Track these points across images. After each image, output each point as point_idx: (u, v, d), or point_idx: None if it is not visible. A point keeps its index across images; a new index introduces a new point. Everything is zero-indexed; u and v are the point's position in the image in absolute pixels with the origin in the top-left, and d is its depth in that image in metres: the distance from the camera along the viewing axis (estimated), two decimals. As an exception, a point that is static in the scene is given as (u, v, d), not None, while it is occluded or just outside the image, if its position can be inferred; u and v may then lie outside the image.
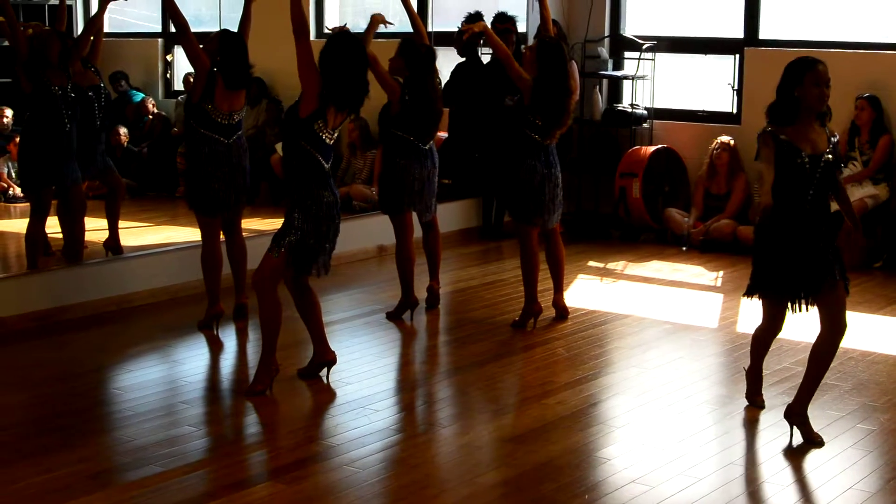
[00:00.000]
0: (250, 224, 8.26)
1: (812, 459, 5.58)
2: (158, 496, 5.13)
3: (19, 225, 10.20)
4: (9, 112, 11.83)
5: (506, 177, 7.87)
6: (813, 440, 5.79)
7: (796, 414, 5.86)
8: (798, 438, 5.83)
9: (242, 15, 7.87)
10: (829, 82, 5.70)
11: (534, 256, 7.79)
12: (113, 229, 9.12)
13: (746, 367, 6.33)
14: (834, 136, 5.83)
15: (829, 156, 5.74)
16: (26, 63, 8.21)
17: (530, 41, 10.38)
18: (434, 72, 7.96)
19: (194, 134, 7.59)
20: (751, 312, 8.28)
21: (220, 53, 7.52)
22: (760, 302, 6.03)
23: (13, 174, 11.59)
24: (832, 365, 6.83)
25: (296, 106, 6.37)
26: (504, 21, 10.11)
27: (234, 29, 7.82)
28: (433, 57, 7.95)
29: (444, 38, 10.32)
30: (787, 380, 6.69)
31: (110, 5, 8.93)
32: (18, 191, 11.46)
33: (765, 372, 6.72)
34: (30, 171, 8.50)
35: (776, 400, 6.35)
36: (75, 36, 9.12)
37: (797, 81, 5.68)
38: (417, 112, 7.81)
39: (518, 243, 7.95)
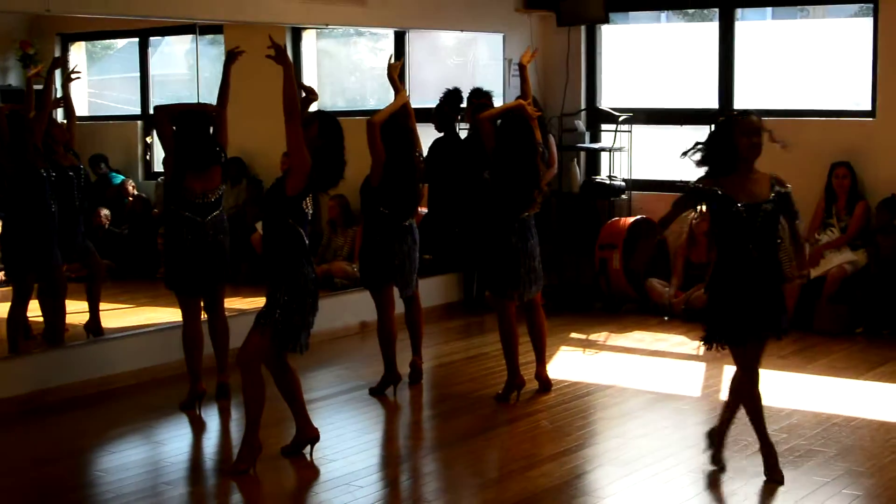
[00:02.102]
0: (232, 303, 8.24)
1: (799, 526, 5.58)
2: (142, 578, 5.09)
3: (1, 309, 10.19)
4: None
5: (482, 250, 7.89)
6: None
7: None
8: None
9: (221, 86, 7.91)
10: (760, 133, 5.91)
11: (512, 329, 7.79)
12: (94, 311, 9.10)
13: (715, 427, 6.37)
14: (783, 186, 5.96)
15: (768, 205, 5.89)
16: (8, 146, 8.26)
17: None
18: (414, 148, 8.01)
19: (171, 214, 7.63)
20: (734, 380, 8.30)
21: (178, 136, 7.56)
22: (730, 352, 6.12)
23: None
24: (816, 431, 6.88)
25: (281, 184, 6.39)
26: (480, 96, 10.18)
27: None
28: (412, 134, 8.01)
29: (423, 115, 10.40)
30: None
31: (89, 89, 9.00)
32: (0, 275, 11.43)
33: (749, 439, 6.73)
34: (12, 255, 8.50)
35: (760, 468, 6.32)
36: (60, 121, 9.15)
37: (729, 133, 5.85)
38: (398, 187, 7.85)
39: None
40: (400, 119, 7.97)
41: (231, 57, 7.83)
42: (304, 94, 7.56)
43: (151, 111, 12.53)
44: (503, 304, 7.79)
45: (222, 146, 7.73)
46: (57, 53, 13.22)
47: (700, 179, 5.95)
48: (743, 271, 5.93)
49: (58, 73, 9.23)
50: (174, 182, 7.54)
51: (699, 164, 5.96)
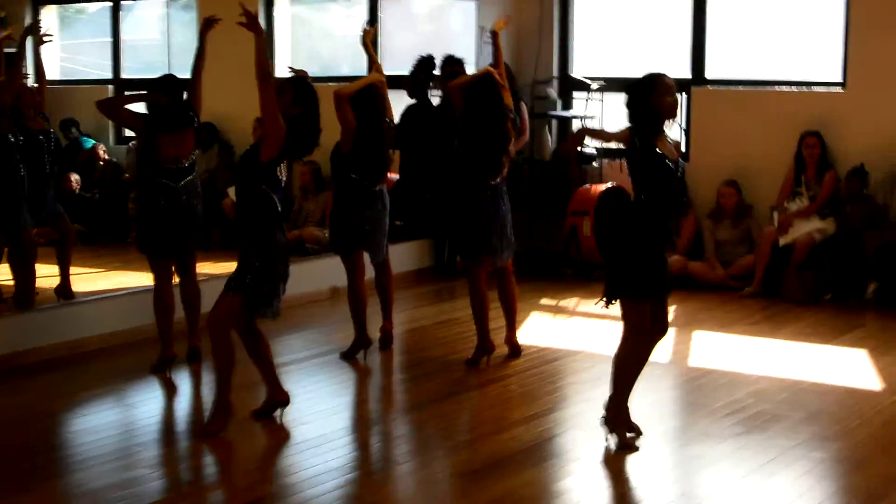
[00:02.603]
0: (203, 268, 8.24)
1: (766, 488, 5.63)
2: (114, 538, 5.12)
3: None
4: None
5: (453, 216, 7.91)
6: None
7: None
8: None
9: (196, 52, 7.88)
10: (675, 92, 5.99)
11: (482, 294, 7.82)
12: (64, 275, 9.10)
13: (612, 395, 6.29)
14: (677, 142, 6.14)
15: (684, 165, 6.08)
16: None
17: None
18: (385, 114, 8.02)
19: (143, 179, 7.63)
20: (702, 346, 8.38)
21: (150, 99, 7.56)
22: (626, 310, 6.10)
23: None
24: (784, 396, 6.96)
25: (255, 150, 6.39)
26: (453, 64, 10.13)
27: (188, 71, 7.85)
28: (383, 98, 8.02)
29: (396, 82, 10.38)
30: (739, 411, 6.75)
31: (61, 53, 8.97)
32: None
33: (717, 404, 6.82)
34: None
35: (728, 431, 6.41)
36: (31, 85, 9.10)
37: (649, 94, 5.92)
38: (368, 153, 7.86)
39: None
40: (371, 86, 7.97)
41: (207, 24, 7.80)
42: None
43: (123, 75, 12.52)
44: (474, 270, 7.82)
45: (195, 111, 7.71)
46: (28, 17, 13.18)
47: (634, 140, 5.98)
48: (660, 231, 6.00)
49: (29, 38, 9.18)
50: (147, 148, 7.53)
51: (633, 131, 5.98)
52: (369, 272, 8.19)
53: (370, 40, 8.32)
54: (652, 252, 6.01)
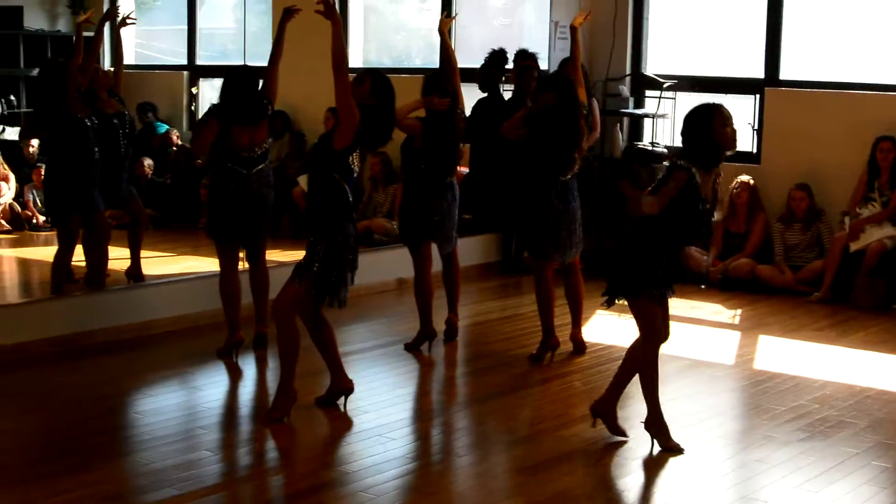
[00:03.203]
0: (271, 255, 8.29)
1: (826, 495, 5.58)
2: (175, 518, 5.18)
3: (43, 252, 10.36)
4: (34, 141, 12.00)
5: (522, 212, 7.90)
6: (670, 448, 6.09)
7: (603, 412, 6.22)
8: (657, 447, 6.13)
9: (274, 41, 7.93)
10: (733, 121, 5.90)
11: (548, 291, 7.82)
12: (135, 258, 9.21)
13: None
14: (718, 177, 6.03)
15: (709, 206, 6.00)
16: (51, 94, 8.36)
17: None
18: (456, 106, 8.03)
19: (216, 165, 7.69)
20: (768, 350, 8.32)
21: (223, 91, 7.61)
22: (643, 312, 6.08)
23: (38, 203, 11.74)
24: (849, 403, 6.89)
25: (329, 137, 6.43)
26: (526, 58, 10.18)
27: (262, 60, 7.91)
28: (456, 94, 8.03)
29: (468, 74, 10.40)
30: (803, 416, 6.70)
31: (136, 39, 9.08)
32: (42, 219, 11.60)
33: (780, 409, 6.77)
34: (55, 199, 8.60)
35: (791, 436, 6.36)
36: (107, 69, 9.23)
37: (708, 125, 5.82)
38: (439, 145, 7.88)
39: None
40: (444, 78, 7.99)
41: (287, 14, 7.83)
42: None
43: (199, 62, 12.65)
44: (541, 266, 7.82)
45: (270, 100, 7.76)
46: (106, 3, 13.33)
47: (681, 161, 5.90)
48: (669, 249, 6.04)
49: (107, 23, 9.31)
50: (221, 136, 7.59)
51: (687, 158, 5.91)
52: (436, 265, 8.21)
53: (447, 29, 8.33)
54: (662, 251, 5.99)
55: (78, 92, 8.51)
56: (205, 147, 7.71)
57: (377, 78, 6.63)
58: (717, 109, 5.86)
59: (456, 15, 8.91)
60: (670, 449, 6.10)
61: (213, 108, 7.65)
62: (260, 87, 7.70)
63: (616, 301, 6.13)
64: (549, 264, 7.81)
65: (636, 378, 6.20)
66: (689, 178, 5.81)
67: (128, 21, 9.51)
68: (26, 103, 13.17)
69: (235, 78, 7.61)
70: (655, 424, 6.16)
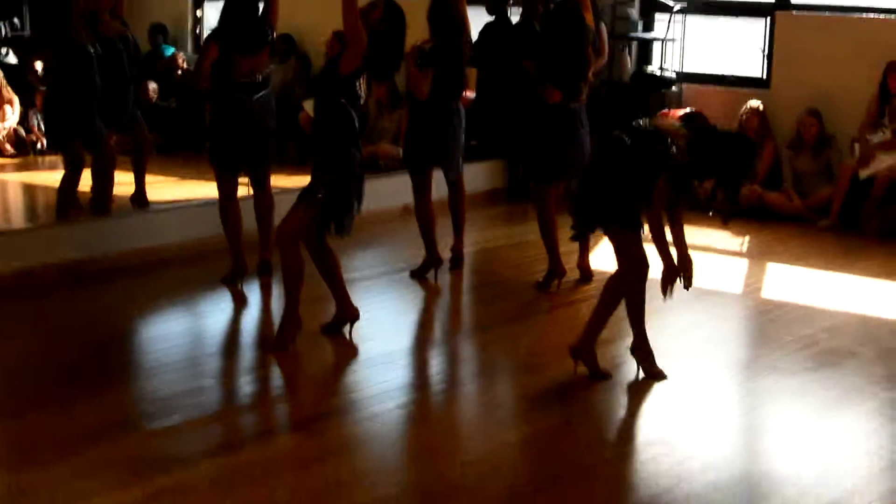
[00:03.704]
0: (276, 181, 8.22)
1: (834, 425, 5.57)
2: (180, 445, 5.18)
3: (47, 177, 10.31)
4: (38, 65, 11.87)
5: (529, 139, 7.83)
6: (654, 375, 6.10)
7: (582, 351, 6.09)
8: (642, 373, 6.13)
9: None
10: None
11: (551, 218, 7.76)
12: (139, 183, 9.16)
13: None
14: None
15: None
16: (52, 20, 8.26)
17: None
18: (462, 32, 7.92)
19: (217, 92, 7.61)
20: (776, 278, 8.28)
21: (222, 19, 7.52)
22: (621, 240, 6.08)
23: (42, 127, 11.65)
24: (857, 333, 6.86)
25: (335, 62, 6.34)
26: (534, -20, 10.03)
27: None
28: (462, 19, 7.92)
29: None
30: (812, 346, 6.68)
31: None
32: (47, 144, 11.52)
33: (788, 338, 6.75)
34: (55, 126, 8.53)
35: (798, 365, 6.34)
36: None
37: (750, 161, 6.11)
38: (445, 70, 7.79)
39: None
40: (450, 2, 7.88)
41: None
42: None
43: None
44: (545, 191, 7.76)
45: (272, 26, 7.66)
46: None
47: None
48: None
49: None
50: (221, 62, 7.50)
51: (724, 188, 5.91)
52: (440, 192, 8.16)
53: None
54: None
55: (81, 16, 8.40)
56: (205, 73, 7.62)
57: (390, 5, 6.55)
58: (755, 146, 6.02)
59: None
60: (654, 375, 6.09)
61: (212, 33, 7.56)
62: (260, 13, 7.59)
63: (585, 234, 6.11)
64: (552, 190, 7.76)
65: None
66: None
67: None
68: (30, 26, 13.04)
69: (234, 5, 7.50)
70: (640, 349, 6.14)
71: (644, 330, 6.14)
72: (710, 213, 9.93)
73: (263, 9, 7.65)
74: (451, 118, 7.91)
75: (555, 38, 7.56)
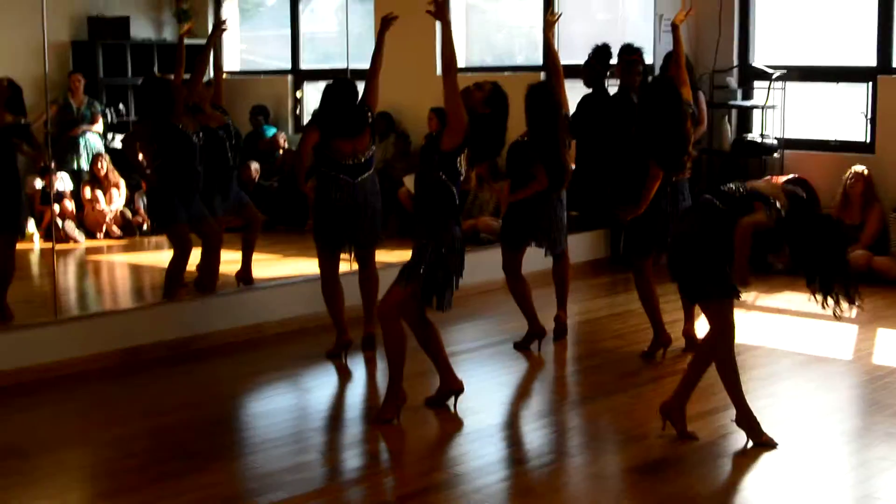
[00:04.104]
0: (379, 256, 8.26)
1: (953, 492, 5.41)
2: (287, 521, 5.18)
3: (153, 257, 10.50)
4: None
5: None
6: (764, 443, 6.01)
7: (670, 411, 6.16)
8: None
9: (374, 51, 7.90)
10: None
11: (650, 288, 7.72)
12: (247, 261, 9.24)
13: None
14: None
15: None
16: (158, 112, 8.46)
17: (657, 72, 10.32)
18: (559, 115, 7.90)
19: (320, 174, 7.70)
20: (887, 344, 8.10)
21: (322, 105, 7.64)
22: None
23: (147, 209, 11.87)
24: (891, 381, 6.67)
25: (437, 139, 6.39)
26: (631, 52, 10.03)
27: (365, 61, 7.90)
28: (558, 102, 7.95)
29: (572, 71, 10.30)
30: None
31: (241, 45, 9.10)
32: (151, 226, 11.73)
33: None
34: (158, 210, 8.64)
35: (911, 431, 6.20)
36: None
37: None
38: (547, 163, 7.83)
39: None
40: (549, 89, 7.90)
41: (385, 23, 7.79)
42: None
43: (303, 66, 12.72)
44: (641, 264, 7.72)
45: (371, 108, 7.74)
46: (211, 9, 13.47)
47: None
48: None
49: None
50: (323, 146, 7.60)
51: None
52: (544, 263, 8.13)
53: (552, 30, 8.32)
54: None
55: (186, 106, 8.59)
56: (306, 157, 7.74)
57: (497, 88, 6.59)
58: None
59: (560, 14, 8.83)
60: (764, 444, 6.00)
61: (313, 118, 7.67)
62: (360, 97, 7.69)
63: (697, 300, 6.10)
64: (648, 260, 7.71)
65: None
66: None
67: (222, 27, 9.60)
68: (135, 112, 13.35)
69: (334, 92, 7.62)
70: (745, 420, 6.07)
71: (744, 399, 6.07)
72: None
73: (364, 91, 7.76)
74: (555, 207, 7.97)
75: (653, 114, 7.51)
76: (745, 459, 5.90)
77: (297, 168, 7.92)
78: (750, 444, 6.01)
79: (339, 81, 7.74)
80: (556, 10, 11.34)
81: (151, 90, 8.79)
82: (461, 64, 7.59)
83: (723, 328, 6.02)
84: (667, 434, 6.17)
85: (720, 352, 6.05)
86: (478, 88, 6.55)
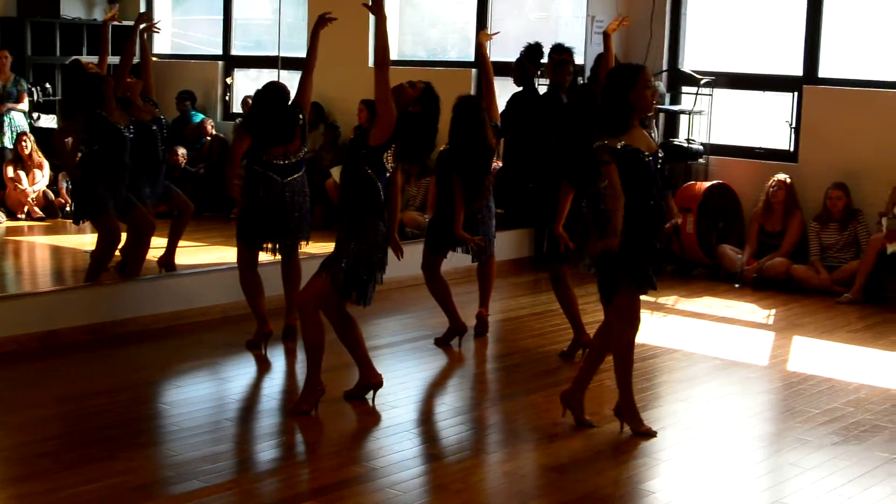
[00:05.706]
0: (302, 246, 8.27)
1: (861, 500, 5.50)
2: (200, 511, 5.16)
3: (75, 240, 10.38)
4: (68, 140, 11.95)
5: (551, 218, 7.81)
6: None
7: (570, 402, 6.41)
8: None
9: (308, 50, 7.86)
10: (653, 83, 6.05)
11: (567, 291, 7.78)
12: (170, 248, 9.17)
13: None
14: (654, 132, 6.11)
15: (661, 152, 6.17)
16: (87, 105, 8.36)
17: (587, 73, 10.38)
18: (481, 120, 7.92)
19: (250, 171, 7.67)
20: (802, 351, 8.23)
21: (252, 112, 7.64)
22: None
23: (70, 190, 11.72)
24: (884, 407, 6.80)
25: (365, 133, 6.38)
26: (562, 52, 10.07)
27: (296, 50, 7.87)
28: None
29: (502, 68, 10.33)
30: (838, 420, 6.61)
31: (172, 29, 9.03)
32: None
33: (814, 411, 6.69)
34: (84, 202, 8.51)
35: (825, 439, 6.28)
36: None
37: (630, 86, 5.92)
38: (469, 176, 7.85)
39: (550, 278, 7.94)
40: (477, 106, 7.93)
41: (321, 21, 7.76)
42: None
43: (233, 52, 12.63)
44: (556, 267, 7.77)
45: (302, 109, 7.73)
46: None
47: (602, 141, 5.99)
48: (649, 218, 6.05)
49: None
50: (255, 146, 7.58)
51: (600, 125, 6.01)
52: (462, 261, 8.16)
53: (486, 42, 8.43)
54: (641, 241, 6.03)
55: (116, 99, 8.50)
56: (236, 163, 7.77)
57: (430, 88, 6.57)
58: (642, 71, 5.98)
59: (497, 33, 8.93)
60: (643, 433, 6.20)
61: (244, 123, 7.64)
62: (292, 99, 7.68)
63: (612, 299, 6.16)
64: (564, 265, 7.76)
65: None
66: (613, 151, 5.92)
67: (153, 30, 9.53)
68: (62, 92, 13.18)
69: (264, 99, 7.60)
70: (626, 410, 6.27)
71: (631, 390, 6.26)
72: (737, 286, 9.98)
73: (297, 89, 7.74)
74: (484, 217, 8.05)
75: (571, 120, 7.57)
76: (659, 462, 5.96)
77: (227, 172, 7.87)
78: (627, 431, 6.24)
79: (269, 86, 7.72)
80: (489, 7, 11.39)
81: (81, 85, 8.67)
82: (394, 57, 7.58)
83: (627, 319, 6.12)
84: (584, 433, 6.24)
85: (621, 340, 6.15)
86: (410, 86, 6.54)
